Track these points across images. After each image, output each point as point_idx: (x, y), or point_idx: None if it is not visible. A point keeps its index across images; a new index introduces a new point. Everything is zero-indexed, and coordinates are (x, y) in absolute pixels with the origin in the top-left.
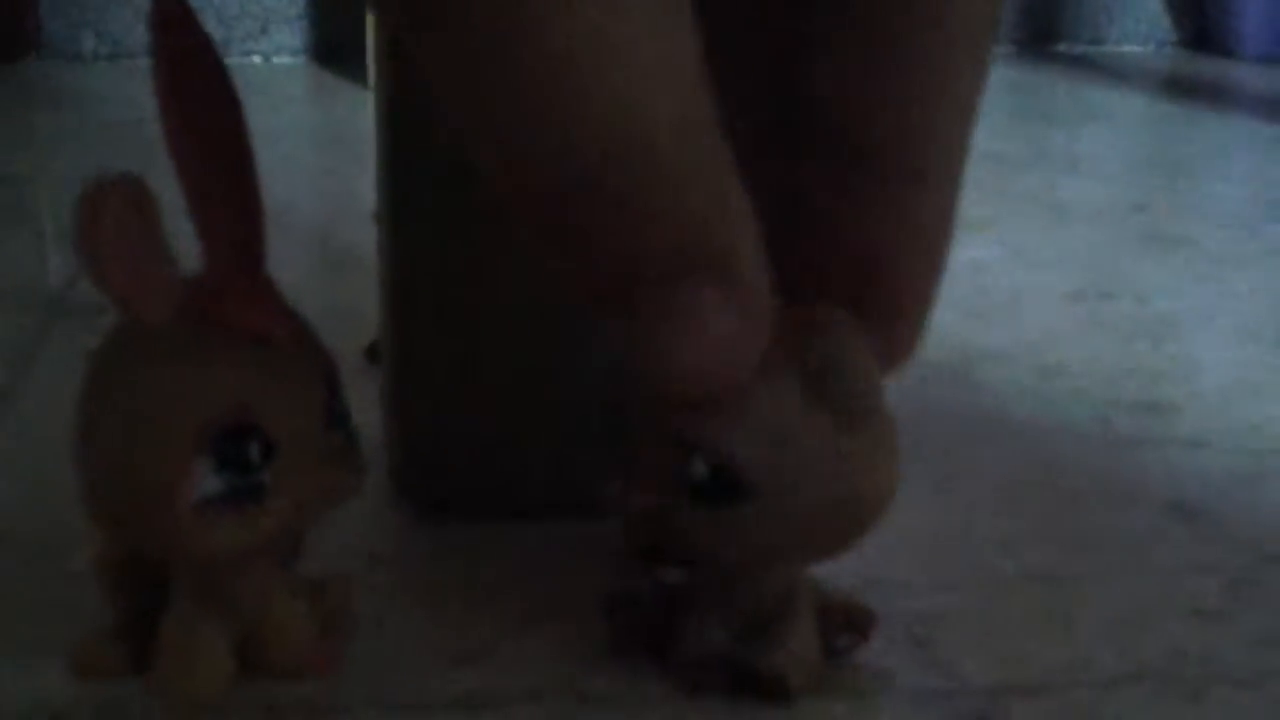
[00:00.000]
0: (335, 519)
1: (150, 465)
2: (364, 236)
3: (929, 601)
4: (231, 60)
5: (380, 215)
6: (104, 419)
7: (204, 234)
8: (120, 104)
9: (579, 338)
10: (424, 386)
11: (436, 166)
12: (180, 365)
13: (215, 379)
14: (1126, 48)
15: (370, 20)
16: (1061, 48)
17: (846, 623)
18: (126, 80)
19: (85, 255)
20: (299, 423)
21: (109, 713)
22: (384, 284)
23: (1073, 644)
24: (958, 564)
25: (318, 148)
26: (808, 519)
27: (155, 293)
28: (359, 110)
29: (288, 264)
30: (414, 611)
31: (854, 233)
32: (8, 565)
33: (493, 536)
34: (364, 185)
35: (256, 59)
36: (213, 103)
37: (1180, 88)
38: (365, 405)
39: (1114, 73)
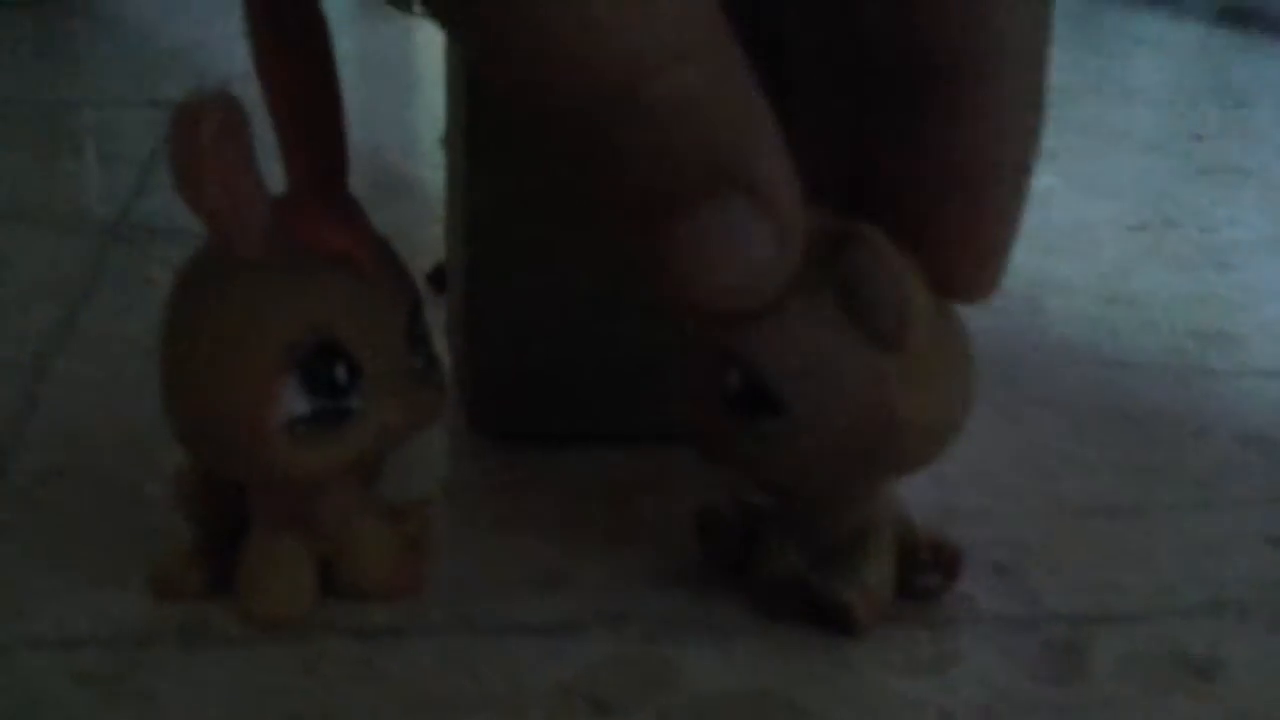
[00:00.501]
0: (407, 447)
1: (237, 386)
2: (415, 163)
3: (1008, 530)
4: None
5: (449, 141)
6: (188, 341)
7: (288, 154)
8: (170, 30)
9: None
10: (496, 315)
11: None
12: (264, 286)
13: (299, 299)
14: None
15: None
16: None
17: (933, 561)
18: (176, 6)
19: (179, 173)
20: (382, 344)
21: (192, 634)
22: (454, 211)
23: (1153, 573)
24: (1034, 494)
25: (362, 76)
26: (841, 440)
27: (247, 215)
28: (403, 38)
29: None
30: (491, 537)
31: (920, 155)
32: (80, 493)
33: (565, 463)
34: (412, 113)
35: None
36: (301, 21)
37: (1234, 15)
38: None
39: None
